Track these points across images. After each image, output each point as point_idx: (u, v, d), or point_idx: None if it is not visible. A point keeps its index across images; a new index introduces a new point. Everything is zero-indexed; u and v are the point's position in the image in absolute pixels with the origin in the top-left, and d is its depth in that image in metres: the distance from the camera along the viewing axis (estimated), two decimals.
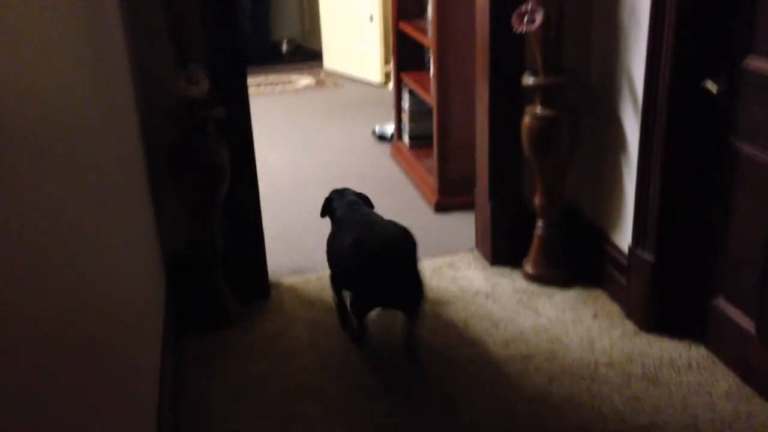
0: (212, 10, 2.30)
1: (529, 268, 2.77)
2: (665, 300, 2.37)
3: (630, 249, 2.42)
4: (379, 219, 2.43)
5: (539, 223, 2.72)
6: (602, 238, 2.64)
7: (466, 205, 3.29)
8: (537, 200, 2.68)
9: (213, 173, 2.42)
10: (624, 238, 2.50)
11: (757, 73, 1.95)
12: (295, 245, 3.18)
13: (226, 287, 2.60)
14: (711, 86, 2.07)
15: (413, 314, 2.27)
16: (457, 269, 2.90)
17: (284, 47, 6.72)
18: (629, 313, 2.48)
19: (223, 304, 2.59)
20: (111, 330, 1.44)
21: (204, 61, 2.36)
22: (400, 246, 2.25)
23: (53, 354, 0.99)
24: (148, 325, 1.96)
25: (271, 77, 6.11)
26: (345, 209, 2.49)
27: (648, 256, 2.34)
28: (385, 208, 3.52)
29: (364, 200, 2.61)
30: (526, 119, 2.58)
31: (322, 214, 2.61)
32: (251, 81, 5.44)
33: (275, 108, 5.28)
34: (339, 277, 2.47)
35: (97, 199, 1.50)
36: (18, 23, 1.03)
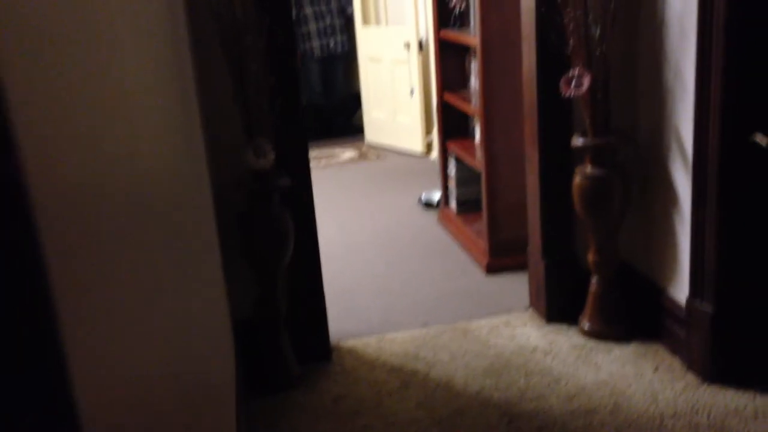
0: (281, 90, 2.47)
1: (585, 324, 2.81)
2: (727, 350, 2.39)
3: (688, 301, 2.46)
4: None
5: (594, 280, 2.77)
6: (658, 292, 2.68)
7: (517, 266, 3.36)
8: (591, 257, 2.75)
9: (279, 239, 2.54)
10: (680, 291, 2.54)
11: None
12: (351, 309, 3.26)
13: (289, 350, 2.68)
14: (761, 140, 2.14)
15: None
16: (513, 327, 2.94)
17: (347, 119, 7.01)
18: (691, 366, 2.49)
19: (287, 366, 2.67)
20: (189, 396, 1.51)
21: (270, 134, 2.51)
22: None
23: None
24: (223, 390, 2.04)
25: (315, 152, 6.32)
26: None
27: (707, 307, 2.37)
28: (436, 271, 3.61)
29: None
30: (577, 179, 2.67)
31: None
32: None
33: (323, 180, 5.45)
34: None
35: (178, 267, 1.60)
36: (124, 97, 1.16)
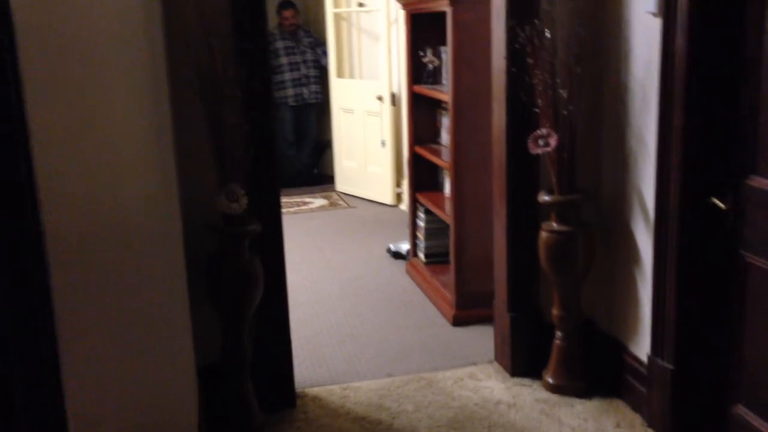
0: (255, 137, 2.50)
1: (549, 378, 2.83)
2: (686, 408, 2.43)
3: (649, 358, 2.50)
4: None
5: (558, 335, 2.81)
6: (620, 348, 2.72)
7: (483, 319, 3.40)
8: (555, 312, 2.79)
9: (247, 284, 2.54)
10: (641, 348, 2.59)
11: (760, 191, 2.11)
12: (317, 357, 3.25)
13: (253, 397, 2.66)
14: (718, 203, 2.23)
15: None
16: (477, 380, 2.96)
17: (315, 170, 7.04)
18: (651, 422, 2.53)
19: (250, 414, 2.64)
20: None
21: (243, 181, 2.53)
22: None
23: None
24: None
25: (285, 199, 6.33)
26: None
27: (667, 365, 2.42)
28: (403, 321, 3.62)
29: None
30: (543, 234, 2.73)
31: None
32: None
33: (292, 227, 5.45)
34: None
35: (142, 310, 1.60)
36: (107, 146, 1.19)
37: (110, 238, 1.18)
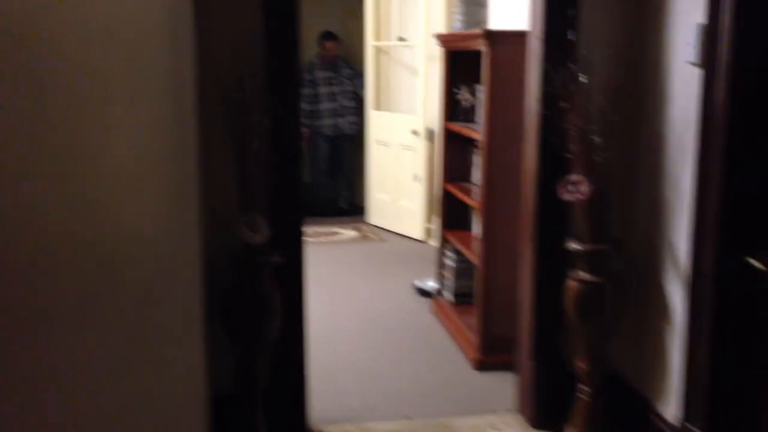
0: (279, 166, 2.48)
1: None
2: None
3: (682, 423, 2.38)
4: None
5: (582, 388, 2.71)
6: (647, 406, 2.61)
7: (507, 365, 3.29)
8: (580, 364, 2.69)
9: (265, 316, 2.50)
10: (669, 409, 2.48)
11: None
12: (333, 393, 3.19)
13: (264, 430, 2.60)
14: (756, 263, 2.13)
15: None
16: (497, 429, 2.86)
17: (342, 202, 7.01)
18: None
19: None
20: None
21: (266, 211, 2.51)
22: None
23: None
24: None
25: (316, 228, 6.33)
26: None
27: (699, 430, 2.30)
28: (424, 362, 3.55)
29: None
30: (571, 283, 2.64)
31: None
32: None
33: (320, 258, 5.43)
34: None
35: (154, 337, 1.57)
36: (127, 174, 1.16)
37: (120, 260, 1.15)
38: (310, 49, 6.98)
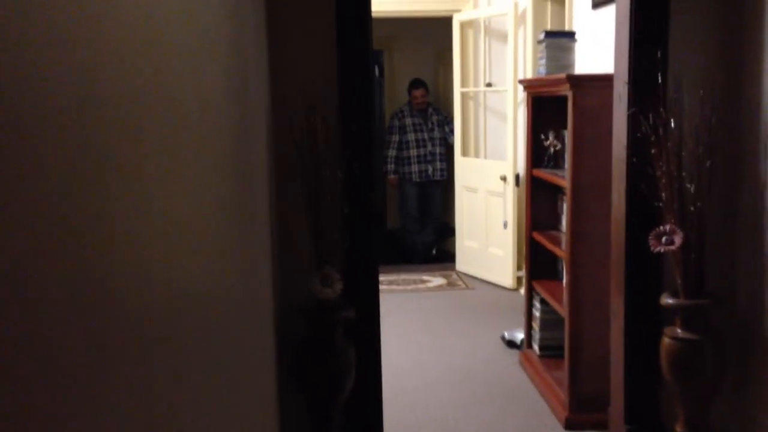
0: (354, 220, 2.44)
1: None
2: None
3: None
4: None
5: None
6: None
7: (599, 424, 3.09)
8: (678, 429, 2.47)
9: (339, 374, 2.43)
10: None
11: None
12: None
13: None
14: None
15: None
16: None
17: (434, 249, 6.93)
18: None
19: None
20: None
21: (339, 264, 2.46)
22: None
23: None
24: None
25: (404, 276, 6.26)
26: None
27: None
28: (511, 420, 3.37)
29: None
30: (666, 341, 2.45)
31: None
32: (384, 278, 5.61)
33: (406, 306, 5.36)
34: None
35: (223, 394, 1.53)
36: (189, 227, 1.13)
37: (186, 316, 1.12)
38: (403, 96, 7.04)
